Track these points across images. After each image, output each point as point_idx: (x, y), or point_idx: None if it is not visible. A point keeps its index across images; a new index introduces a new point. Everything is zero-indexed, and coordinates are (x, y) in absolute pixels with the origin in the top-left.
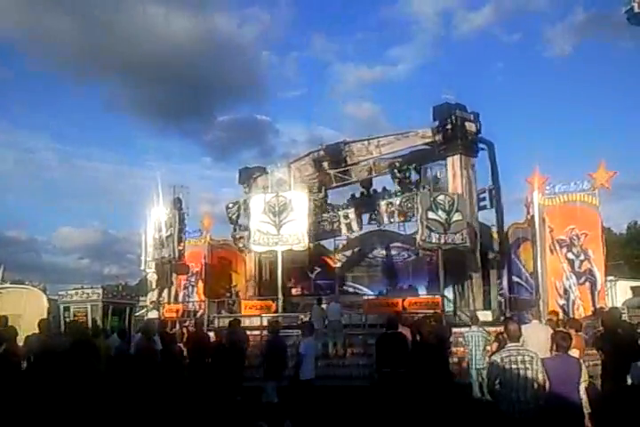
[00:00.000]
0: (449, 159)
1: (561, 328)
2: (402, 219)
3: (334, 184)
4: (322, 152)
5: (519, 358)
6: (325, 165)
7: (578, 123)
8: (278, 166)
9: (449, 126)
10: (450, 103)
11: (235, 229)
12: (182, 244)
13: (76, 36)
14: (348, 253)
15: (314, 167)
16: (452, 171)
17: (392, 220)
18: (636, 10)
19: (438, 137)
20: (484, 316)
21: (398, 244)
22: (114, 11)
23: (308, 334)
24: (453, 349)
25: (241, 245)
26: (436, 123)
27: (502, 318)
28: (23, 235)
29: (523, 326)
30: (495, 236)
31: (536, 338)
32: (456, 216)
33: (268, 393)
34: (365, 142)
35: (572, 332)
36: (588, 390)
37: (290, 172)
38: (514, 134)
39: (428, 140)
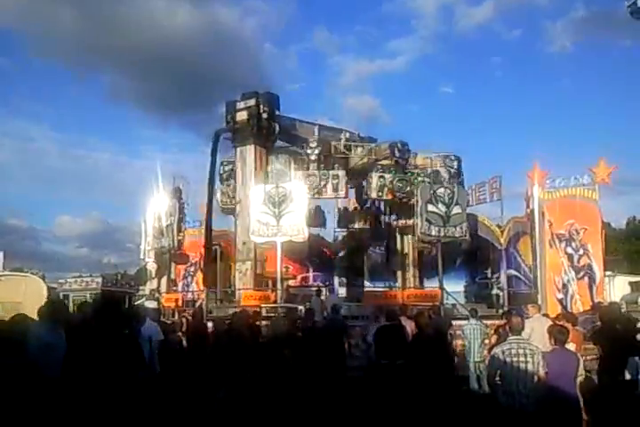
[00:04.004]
0: None
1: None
2: (390, 197)
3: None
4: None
5: (520, 351)
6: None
7: (578, 118)
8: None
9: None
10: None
11: (222, 183)
12: (182, 233)
13: (77, 26)
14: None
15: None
16: None
17: (380, 194)
18: None
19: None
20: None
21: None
22: (115, 2)
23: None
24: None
25: (221, 202)
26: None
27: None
28: (23, 223)
29: (528, 320)
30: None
31: (542, 332)
32: (455, 209)
33: None
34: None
35: (569, 326)
36: (584, 384)
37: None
38: (513, 129)
39: None
